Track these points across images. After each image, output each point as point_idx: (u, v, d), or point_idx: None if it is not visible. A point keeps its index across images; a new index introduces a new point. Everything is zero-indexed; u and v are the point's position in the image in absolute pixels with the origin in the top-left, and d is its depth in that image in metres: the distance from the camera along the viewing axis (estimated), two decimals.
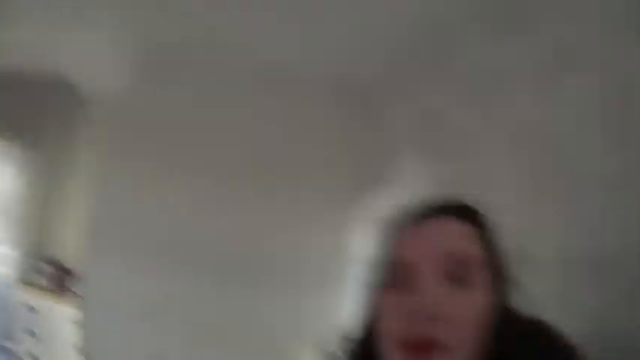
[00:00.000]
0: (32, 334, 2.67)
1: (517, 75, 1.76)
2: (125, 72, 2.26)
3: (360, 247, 2.14)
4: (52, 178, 2.93)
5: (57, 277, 2.73)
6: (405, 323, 0.51)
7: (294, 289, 2.26)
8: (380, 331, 0.55)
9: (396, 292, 0.54)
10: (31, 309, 2.68)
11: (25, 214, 2.89)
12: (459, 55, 1.99)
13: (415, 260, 0.53)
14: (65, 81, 2.68)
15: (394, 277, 0.55)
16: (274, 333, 2.25)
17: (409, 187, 1.95)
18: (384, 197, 2.04)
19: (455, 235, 0.55)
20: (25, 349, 2.68)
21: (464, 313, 0.51)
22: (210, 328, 2.19)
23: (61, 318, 2.52)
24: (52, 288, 2.72)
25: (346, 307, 2.16)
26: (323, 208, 2.32)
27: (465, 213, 0.58)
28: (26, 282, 2.81)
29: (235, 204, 2.28)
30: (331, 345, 0.69)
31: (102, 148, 2.29)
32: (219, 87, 2.31)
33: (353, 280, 2.16)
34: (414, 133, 2.22)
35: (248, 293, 2.25)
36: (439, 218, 0.57)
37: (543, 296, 1.58)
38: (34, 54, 2.46)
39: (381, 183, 2.17)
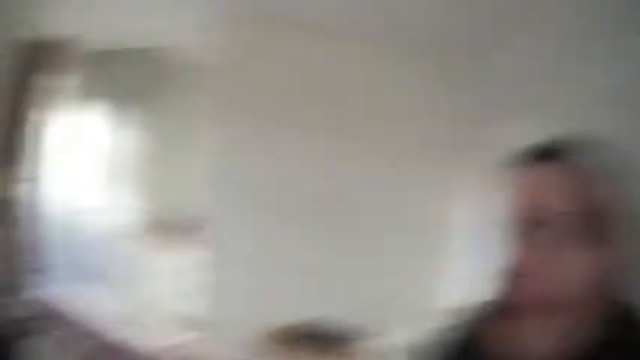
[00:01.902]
0: (148, 283, 2.93)
1: None
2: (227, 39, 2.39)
3: (464, 208, 2.22)
4: (169, 139, 3.24)
5: (175, 229, 2.96)
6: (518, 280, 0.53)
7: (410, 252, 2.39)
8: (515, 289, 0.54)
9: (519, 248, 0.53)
10: (149, 259, 2.97)
11: (147, 173, 3.21)
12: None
13: (532, 215, 0.52)
14: (173, 51, 2.95)
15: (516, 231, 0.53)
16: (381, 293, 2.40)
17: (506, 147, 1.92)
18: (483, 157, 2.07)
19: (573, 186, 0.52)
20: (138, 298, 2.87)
21: (575, 273, 0.50)
22: (318, 276, 2.38)
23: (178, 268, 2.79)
24: (170, 239, 2.95)
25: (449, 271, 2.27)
26: (425, 166, 2.40)
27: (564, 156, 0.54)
28: (145, 234, 3.03)
29: (344, 159, 2.43)
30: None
31: (212, 112, 2.46)
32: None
33: (457, 243, 2.23)
34: (512, 88, 2.12)
35: (354, 245, 2.42)
36: (551, 163, 0.54)
37: None
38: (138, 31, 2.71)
39: (481, 142, 2.17)
